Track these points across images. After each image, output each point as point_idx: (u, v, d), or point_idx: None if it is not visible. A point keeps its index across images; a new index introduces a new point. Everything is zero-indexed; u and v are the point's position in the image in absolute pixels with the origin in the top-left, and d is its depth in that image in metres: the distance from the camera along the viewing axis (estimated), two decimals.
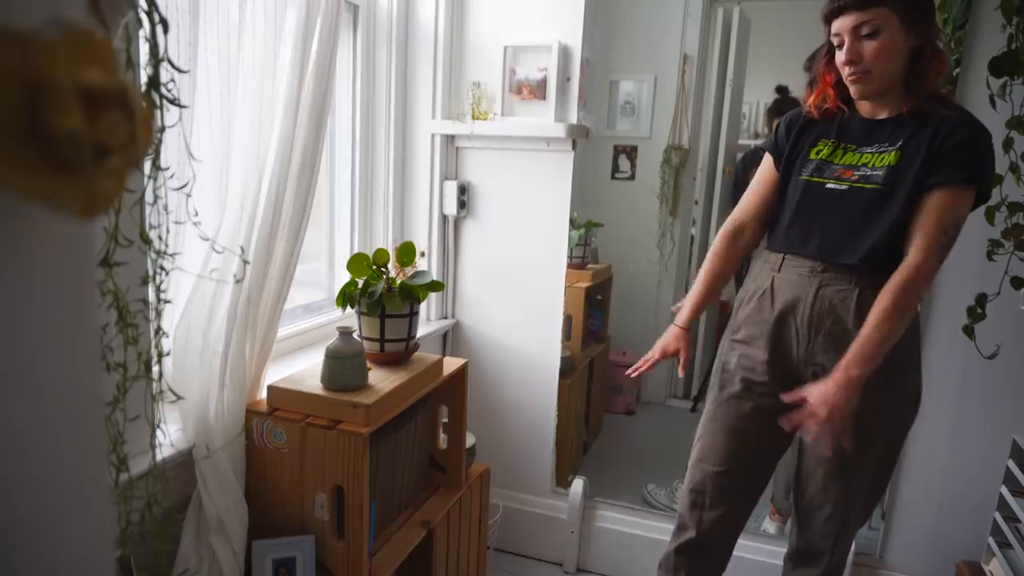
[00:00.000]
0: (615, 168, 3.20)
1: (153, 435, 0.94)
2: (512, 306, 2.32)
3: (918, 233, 1.37)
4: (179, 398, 0.97)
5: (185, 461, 1.28)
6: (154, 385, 0.90)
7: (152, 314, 0.87)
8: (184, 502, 1.31)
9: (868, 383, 1.37)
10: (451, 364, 1.76)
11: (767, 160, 1.63)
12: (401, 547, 1.55)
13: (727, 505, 1.62)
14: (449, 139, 2.26)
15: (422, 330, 2.09)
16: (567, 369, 2.39)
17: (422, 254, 2.25)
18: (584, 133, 2.17)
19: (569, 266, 2.30)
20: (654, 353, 1.68)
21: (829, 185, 1.48)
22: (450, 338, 2.40)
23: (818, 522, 1.59)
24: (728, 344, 1.63)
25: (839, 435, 1.37)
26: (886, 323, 1.36)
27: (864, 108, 1.50)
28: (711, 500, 1.63)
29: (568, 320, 2.41)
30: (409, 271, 1.66)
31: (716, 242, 1.67)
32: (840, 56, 1.42)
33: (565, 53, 2.13)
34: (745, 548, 2.10)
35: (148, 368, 0.89)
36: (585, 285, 2.66)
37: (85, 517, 0.44)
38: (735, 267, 1.66)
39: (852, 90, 1.45)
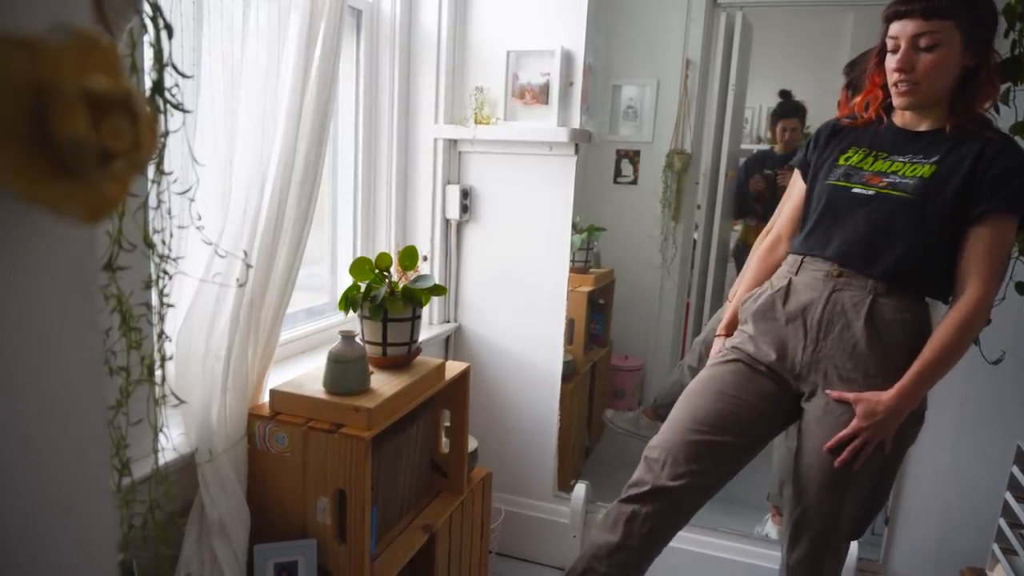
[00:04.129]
0: (617, 172, 3.20)
1: (155, 439, 0.94)
2: (514, 310, 2.32)
3: (975, 265, 1.37)
4: (181, 402, 0.98)
5: (187, 465, 1.28)
6: (156, 389, 0.91)
7: (155, 318, 0.87)
8: (186, 506, 1.31)
9: (870, 390, 1.39)
10: (453, 368, 1.76)
11: (797, 176, 1.63)
12: (403, 551, 1.55)
13: (692, 473, 1.48)
14: (452, 143, 2.27)
15: (424, 334, 2.09)
16: (569, 373, 2.38)
17: (424, 258, 2.26)
18: (586, 137, 2.17)
19: (571, 270, 2.30)
20: (725, 328, 1.69)
21: (855, 190, 1.45)
22: (452, 342, 2.40)
23: (811, 532, 1.55)
24: (736, 333, 1.62)
25: (866, 452, 1.39)
26: (941, 358, 1.37)
27: (902, 119, 1.48)
28: (676, 460, 1.50)
29: (570, 324, 2.41)
30: (411, 275, 1.66)
31: (756, 253, 1.71)
32: (891, 61, 1.40)
33: (568, 58, 2.13)
34: (746, 552, 2.10)
35: (151, 372, 0.89)
36: (587, 289, 2.66)
37: (87, 521, 0.44)
38: (772, 273, 1.63)
39: (896, 100, 1.43)
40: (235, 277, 1.24)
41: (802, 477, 1.52)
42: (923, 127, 1.45)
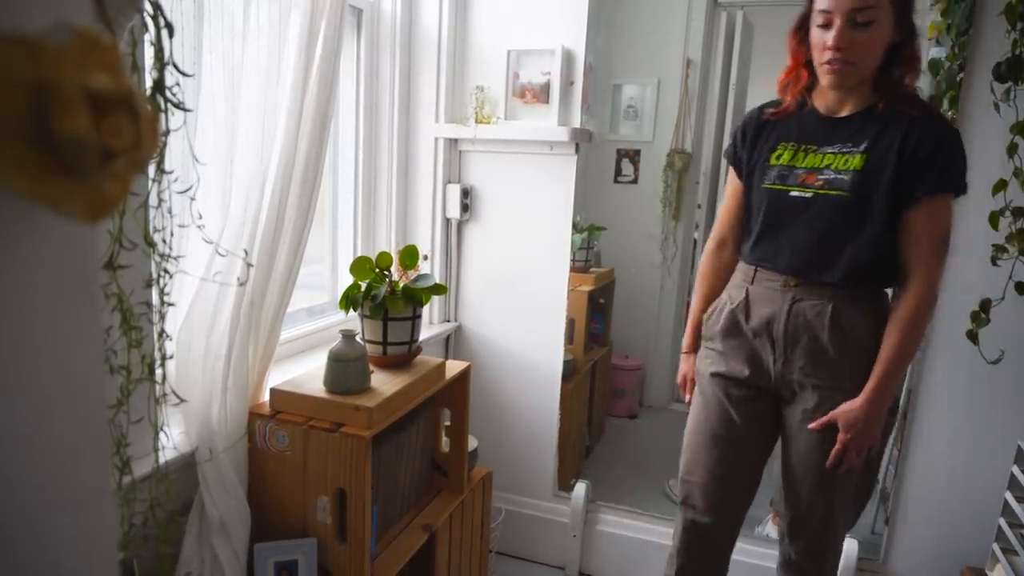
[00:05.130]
0: (618, 172, 3.20)
1: (156, 438, 0.94)
2: (515, 309, 2.32)
3: (913, 252, 1.36)
4: (182, 401, 0.98)
5: (188, 464, 1.28)
6: (157, 388, 0.91)
7: (156, 317, 0.87)
8: (187, 505, 1.31)
9: (845, 394, 1.41)
10: (453, 367, 1.76)
11: (732, 172, 1.59)
12: (403, 550, 1.55)
13: (718, 513, 1.61)
14: (452, 142, 2.27)
15: (425, 333, 2.09)
16: (569, 373, 2.38)
17: (425, 257, 2.26)
18: (587, 137, 2.17)
19: (572, 269, 2.30)
20: (682, 389, 1.71)
21: (793, 193, 1.42)
22: (452, 341, 2.40)
23: (807, 533, 1.56)
24: (704, 351, 1.61)
25: (862, 455, 1.41)
26: (901, 350, 1.37)
27: (824, 101, 1.43)
28: (703, 509, 1.61)
29: (570, 324, 2.41)
30: (412, 274, 1.66)
31: (703, 261, 1.66)
32: (824, 37, 1.32)
33: (568, 57, 2.13)
34: (747, 552, 2.09)
35: (151, 371, 0.89)
36: (588, 289, 2.66)
37: (88, 519, 0.44)
38: (726, 279, 1.61)
39: (826, 80, 1.36)
40: (236, 276, 1.24)
41: (791, 484, 1.54)
42: (847, 110, 1.40)
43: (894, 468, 2.09)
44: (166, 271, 0.85)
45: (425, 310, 1.79)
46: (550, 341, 2.29)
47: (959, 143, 1.35)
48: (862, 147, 1.36)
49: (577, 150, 2.17)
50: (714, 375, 1.57)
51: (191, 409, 1.28)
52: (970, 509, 1.96)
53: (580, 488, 2.31)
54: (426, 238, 2.27)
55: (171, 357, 0.98)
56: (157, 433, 0.93)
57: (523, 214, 2.26)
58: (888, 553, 2.06)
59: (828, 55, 1.33)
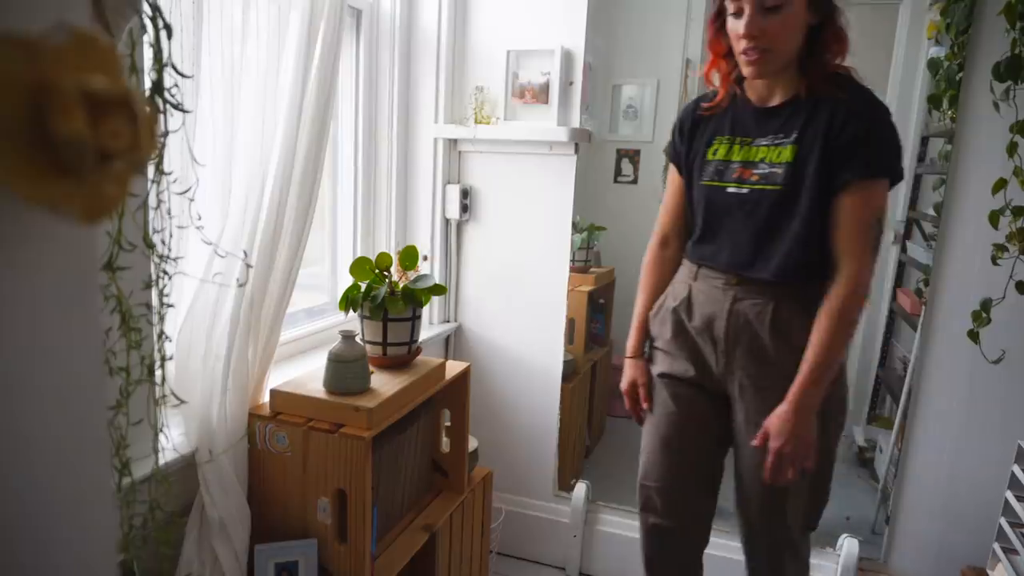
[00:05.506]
0: (617, 172, 3.20)
1: (156, 439, 0.94)
2: (515, 310, 2.32)
3: (844, 241, 1.31)
4: (181, 402, 0.97)
5: (188, 465, 1.28)
6: (157, 389, 0.91)
7: (155, 318, 0.87)
8: (187, 506, 1.30)
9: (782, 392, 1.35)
10: (454, 368, 1.76)
11: (672, 168, 1.57)
12: (404, 551, 1.55)
13: (678, 516, 1.58)
14: (452, 143, 2.27)
15: (424, 334, 2.09)
16: (570, 373, 2.38)
17: (425, 258, 2.26)
18: (587, 137, 2.17)
19: (572, 270, 2.30)
20: (628, 398, 1.62)
21: (730, 189, 1.40)
22: (452, 342, 2.40)
23: (762, 550, 1.53)
24: (652, 352, 1.59)
25: (798, 463, 1.34)
26: (830, 343, 1.31)
27: (755, 91, 1.40)
28: (662, 513, 1.58)
29: (571, 324, 2.41)
30: (412, 275, 1.66)
31: (647, 259, 1.62)
32: (737, 27, 1.29)
33: (568, 57, 2.13)
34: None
35: (151, 372, 0.89)
36: (588, 289, 2.66)
37: (88, 521, 0.44)
38: (670, 276, 1.57)
39: (746, 70, 1.33)
40: (235, 277, 1.24)
41: (742, 500, 1.52)
42: (777, 99, 1.37)
43: (895, 468, 2.09)
44: (165, 272, 0.85)
45: (425, 310, 1.79)
46: (550, 341, 2.29)
47: (889, 124, 1.30)
48: (792, 137, 1.33)
49: (576, 150, 2.17)
50: (661, 376, 1.54)
51: (191, 410, 1.28)
52: (971, 508, 1.96)
53: (580, 488, 2.31)
54: (426, 238, 2.27)
55: (171, 358, 0.98)
56: (157, 434, 0.93)
57: (523, 214, 2.26)
58: (889, 552, 2.06)
59: (743, 44, 1.29)
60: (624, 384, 1.62)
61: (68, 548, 0.42)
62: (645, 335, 1.60)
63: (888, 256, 2.83)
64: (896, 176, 1.32)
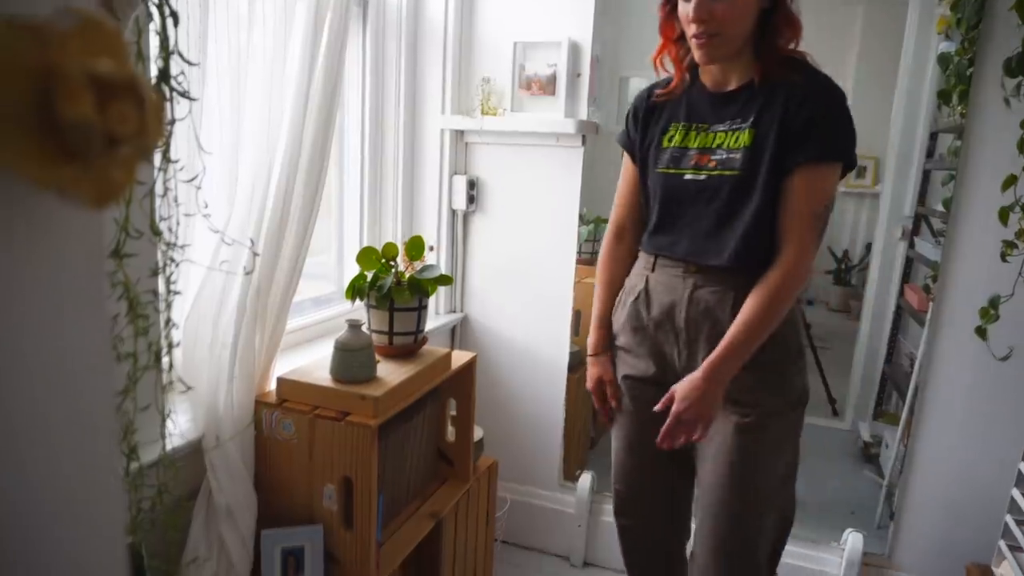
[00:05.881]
0: None
1: (163, 425, 0.95)
2: (521, 301, 2.32)
3: (786, 223, 1.28)
4: (188, 388, 0.98)
5: (195, 451, 1.29)
6: (164, 376, 0.91)
7: (162, 305, 0.88)
8: (194, 490, 1.32)
9: (741, 383, 1.32)
10: (460, 358, 1.76)
11: (626, 157, 1.53)
12: (409, 538, 1.56)
13: (648, 519, 1.57)
14: (458, 134, 2.27)
15: (431, 324, 2.10)
16: (576, 364, 2.38)
17: (431, 248, 2.26)
18: (594, 129, 2.17)
19: (578, 262, 2.29)
20: (596, 397, 1.56)
21: (687, 177, 1.35)
22: (459, 332, 2.40)
23: (706, 532, 1.43)
24: (615, 352, 1.54)
25: (690, 432, 1.31)
26: (756, 323, 1.27)
27: (710, 77, 1.37)
28: (632, 515, 1.58)
29: (577, 315, 2.41)
30: (418, 265, 1.66)
31: (602, 253, 1.57)
32: (687, 10, 1.27)
33: (575, 49, 2.12)
34: None
35: (158, 359, 0.90)
36: (594, 281, 2.65)
37: (96, 504, 0.44)
38: (628, 268, 1.52)
39: (697, 55, 1.30)
40: (242, 265, 1.25)
41: (704, 507, 1.44)
42: (733, 84, 1.34)
43: (900, 464, 2.08)
44: (172, 260, 0.85)
45: (431, 300, 1.79)
46: (556, 332, 2.29)
47: (844, 108, 1.27)
48: (750, 121, 1.30)
49: (584, 142, 2.17)
50: (624, 378, 1.51)
51: (198, 397, 1.29)
52: (977, 505, 1.95)
53: (585, 479, 2.31)
54: (432, 229, 2.28)
55: (178, 345, 0.99)
56: (164, 420, 0.94)
57: (530, 206, 2.26)
58: (893, 548, 2.06)
59: (692, 29, 1.27)
60: (590, 383, 1.57)
61: (77, 531, 0.43)
62: (607, 331, 1.54)
63: (896, 252, 2.81)
64: (849, 162, 1.29)
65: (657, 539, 1.60)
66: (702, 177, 1.34)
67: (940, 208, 2.26)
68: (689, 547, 1.54)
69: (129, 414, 0.87)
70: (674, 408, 1.31)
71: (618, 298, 1.52)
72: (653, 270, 1.43)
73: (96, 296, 0.44)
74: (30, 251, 0.38)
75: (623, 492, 1.58)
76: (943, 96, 2.10)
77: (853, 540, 2.02)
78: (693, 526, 1.52)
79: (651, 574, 1.64)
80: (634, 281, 1.48)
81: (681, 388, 1.32)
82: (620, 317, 1.50)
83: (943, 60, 2.07)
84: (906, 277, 2.72)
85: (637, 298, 1.45)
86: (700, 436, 1.32)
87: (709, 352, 1.32)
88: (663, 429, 1.32)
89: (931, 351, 1.95)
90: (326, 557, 1.39)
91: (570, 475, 2.40)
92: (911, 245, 2.65)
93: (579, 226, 2.25)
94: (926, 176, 2.58)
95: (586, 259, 2.66)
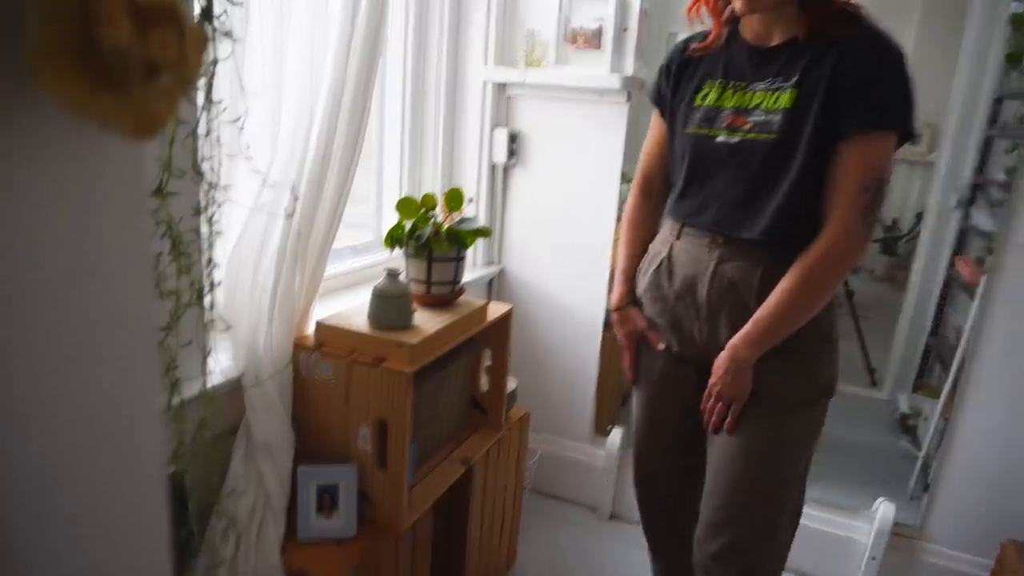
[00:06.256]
0: None
1: (204, 361, 0.98)
2: (559, 256, 2.32)
3: (832, 199, 1.16)
4: (229, 328, 1.01)
5: (235, 388, 1.33)
6: (205, 314, 0.94)
7: (204, 245, 0.90)
8: (234, 426, 1.36)
9: (766, 366, 1.24)
10: (496, 309, 1.77)
11: (655, 114, 1.44)
12: (440, 481, 1.60)
13: (664, 494, 1.55)
14: (501, 87, 2.24)
15: (468, 275, 2.11)
16: (610, 322, 2.38)
17: (470, 200, 2.26)
18: (639, 85, 2.12)
19: (618, 220, 2.27)
20: (629, 351, 1.49)
21: (719, 139, 1.24)
22: (496, 284, 2.42)
23: (713, 525, 1.34)
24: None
25: (721, 415, 1.29)
26: (791, 303, 1.18)
27: (752, 30, 1.25)
28: (647, 488, 1.57)
29: (614, 274, 2.39)
30: (456, 217, 1.67)
31: (627, 206, 1.49)
32: None
33: (622, 3, 2.06)
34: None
35: (200, 297, 0.92)
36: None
37: (139, 433, 0.46)
38: (653, 228, 1.43)
39: (736, 4, 1.19)
40: (283, 207, 1.26)
41: (709, 494, 1.36)
42: (776, 38, 1.22)
43: (939, 436, 2.05)
44: (214, 200, 0.87)
45: (469, 252, 1.80)
46: (593, 290, 2.29)
47: (903, 70, 1.13)
48: (792, 81, 1.17)
49: (629, 99, 2.12)
50: (643, 349, 1.46)
51: (238, 337, 1.32)
52: (1018, 482, 1.91)
53: (616, 434, 2.33)
54: (472, 181, 2.27)
55: (219, 285, 1.01)
56: (205, 357, 0.97)
57: (571, 162, 2.24)
58: (926, 519, 2.04)
59: None
60: (622, 336, 1.48)
61: (121, 460, 0.45)
62: (632, 286, 1.46)
63: (949, 222, 2.72)
64: (907, 131, 1.15)
65: (684, 513, 1.56)
66: (735, 140, 1.22)
67: (1001, 177, 2.17)
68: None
69: (171, 350, 0.90)
70: (709, 382, 1.30)
71: (641, 263, 1.44)
72: (678, 238, 1.34)
73: (139, 231, 0.45)
74: (73, 184, 0.39)
75: (643, 465, 1.56)
76: (1013, 59, 2.00)
77: (884, 509, 2.00)
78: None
79: (666, 546, 1.63)
80: (658, 248, 1.39)
81: (715, 364, 1.29)
82: (641, 284, 1.42)
83: (1017, 20, 1.96)
84: (958, 249, 2.63)
85: (659, 267, 1.37)
86: (732, 418, 1.28)
87: (732, 331, 1.26)
88: (709, 408, 1.31)
89: (980, 324, 1.89)
90: (359, 495, 1.43)
91: (601, 429, 2.42)
92: (966, 216, 2.55)
93: (620, 184, 2.22)
94: (987, 144, 2.47)
95: None
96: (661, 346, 1.41)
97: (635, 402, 1.54)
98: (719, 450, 1.34)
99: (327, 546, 1.37)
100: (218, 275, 1.02)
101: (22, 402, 0.37)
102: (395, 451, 1.41)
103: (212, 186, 0.86)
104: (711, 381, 1.30)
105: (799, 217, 1.20)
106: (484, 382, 1.86)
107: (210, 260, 0.91)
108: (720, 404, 1.30)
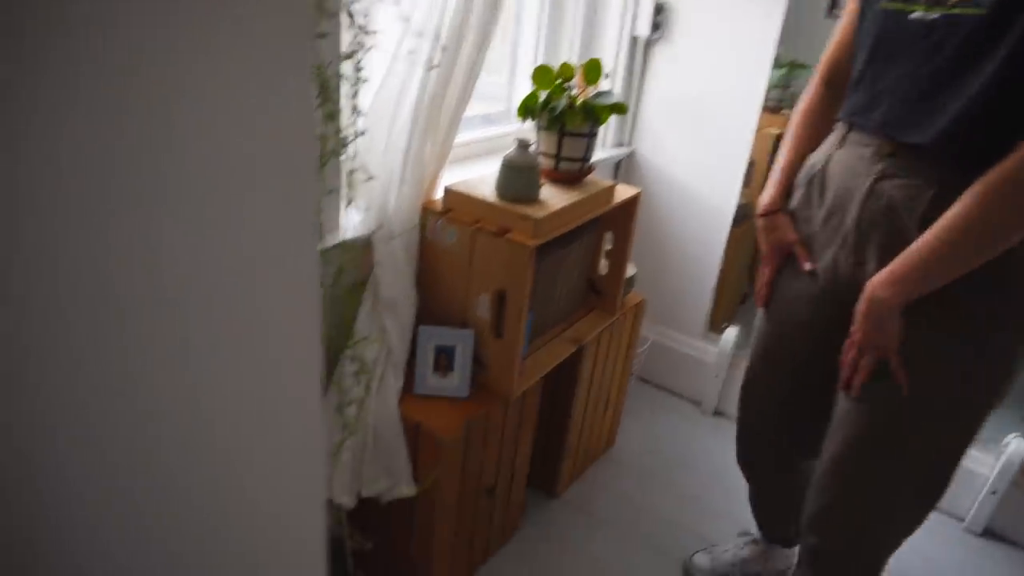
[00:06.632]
0: (833, 4, 2.81)
1: (346, 209, 1.00)
2: (694, 142, 2.20)
3: None
4: (370, 178, 1.02)
5: (365, 245, 1.38)
6: (347, 163, 0.95)
7: (350, 91, 0.90)
8: (365, 279, 1.42)
9: (927, 328, 1.01)
10: (623, 192, 1.72)
11: None
12: (551, 357, 1.63)
13: (760, 463, 1.49)
14: None
15: (597, 155, 2.05)
16: (741, 217, 2.27)
17: (606, 76, 2.15)
18: None
19: (763, 109, 2.11)
20: (772, 264, 1.32)
21: (914, 15, 0.99)
22: (623, 167, 2.34)
23: (823, 515, 1.23)
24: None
25: (871, 356, 1.07)
26: (955, 235, 0.94)
27: None
28: (746, 430, 1.49)
29: (751, 166, 2.26)
30: (592, 90, 1.59)
31: (803, 100, 1.30)
32: None
33: None
34: None
35: (344, 145, 0.93)
36: (775, 132, 2.45)
37: (293, 266, 0.47)
38: (828, 126, 1.23)
39: None
40: (424, 58, 1.23)
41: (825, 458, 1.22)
42: None
43: None
44: (361, 45, 0.86)
45: (600, 130, 1.73)
46: (726, 181, 2.17)
47: None
48: None
49: None
50: (781, 272, 1.30)
51: (372, 192, 1.35)
52: None
53: (731, 332, 2.28)
54: (610, 55, 2.15)
55: (363, 134, 1.01)
56: (347, 206, 0.99)
57: (719, 40, 2.06)
58: None
59: None
60: (766, 247, 1.31)
61: (276, 290, 0.46)
62: (788, 187, 1.27)
63: None
64: None
65: (773, 470, 1.51)
66: (933, 16, 0.97)
67: None
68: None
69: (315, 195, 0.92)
70: (853, 327, 1.10)
71: (799, 174, 1.27)
72: (841, 145, 1.15)
73: (300, 66, 0.44)
74: (236, 11, 0.38)
75: (746, 412, 1.48)
76: None
77: (1017, 445, 1.88)
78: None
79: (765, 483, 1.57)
80: (818, 156, 1.22)
81: (861, 305, 1.08)
82: (796, 197, 1.26)
83: None
84: None
85: (812, 180, 1.20)
86: (860, 374, 1.09)
87: (879, 268, 1.05)
88: (848, 360, 1.11)
89: None
90: (474, 360, 1.48)
91: (716, 326, 2.37)
92: None
93: (772, 69, 2.04)
94: None
95: (771, 107, 2.44)
96: (808, 265, 1.22)
97: (757, 330, 1.41)
98: (837, 416, 1.18)
99: (440, 403, 1.44)
100: (362, 124, 1.02)
101: (191, 222, 0.39)
102: (511, 322, 1.43)
103: (361, 29, 0.85)
104: (852, 328, 1.11)
105: (989, 124, 0.94)
106: (603, 265, 1.84)
107: (355, 108, 0.92)
108: (856, 356, 1.10)
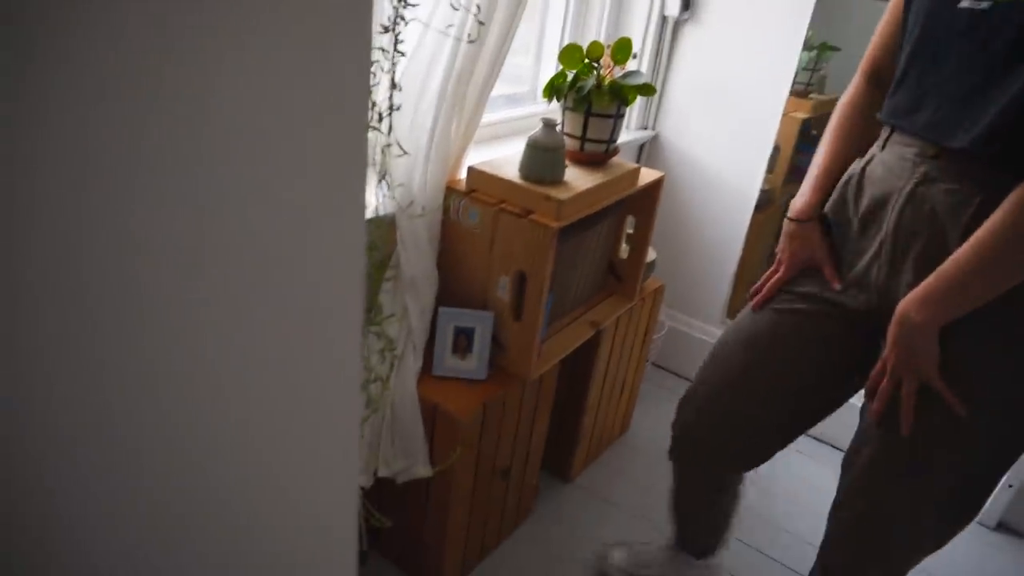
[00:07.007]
0: None
1: (380, 183, 0.98)
2: (718, 126, 2.16)
3: None
4: (404, 153, 1.00)
5: (391, 223, 1.36)
6: (383, 138, 0.93)
7: (387, 65, 0.88)
8: (388, 257, 1.41)
9: (967, 334, 0.94)
10: (647, 176, 1.70)
11: None
12: (570, 340, 1.62)
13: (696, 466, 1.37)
14: None
15: (622, 137, 2.02)
16: (764, 203, 2.24)
17: (634, 56, 2.12)
18: None
19: (790, 92, 2.07)
20: (777, 268, 1.24)
21: (963, 4, 0.92)
22: (647, 150, 2.31)
23: (843, 534, 1.15)
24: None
25: (887, 398, 1.01)
26: (994, 248, 0.87)
27: None
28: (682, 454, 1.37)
29: (775, 151, 2.22)
30: (620, 71, 1.56)
31: (846, 94, 1.21)
32: None
33: None
34: None
35: (380, 119, 0.91)
36: (802, 116, 2.40)
37: (339, 231, 0.46)
38: (869, 129, 1.14)
39: None
40: (460, 32, 1.20)
41: (848, 472, 1.13)
42: None
43: None
44: (402, 18, 0.83)
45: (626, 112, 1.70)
46: (750, 166, 2.14)
47: None
48: None
49: None
50: (812, 291, 1.18)
51: (399, 171, 1.33)
52: None
53: None
54: (638, 34, 2.12)
55: (399, 108, 0.99)
56: (382, 180, 0.97)
57: (749, 20, 2.02)
58: None
59: None
60: (787, 256, 1.21)
61: (325, 257, 0.45)
62: (824, 195, 1.18)
63: None
64: None
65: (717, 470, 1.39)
66: (984, 6, 0.89)
67: None
68: None
69: None
70: (886, 352, 1.01)
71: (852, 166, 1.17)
72: (883, 147, 1.08)
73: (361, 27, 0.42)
74: None
75: (691, 416, 1.35)
76: None
77: None
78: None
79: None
80: (857, 161, 1.15)
81: (893, 327, 0.99)
82: (833, 198, 1.18)
83: None
84: None
85: (849, 181, 1.12)
86: (907, 408, 0.98)
87: (916, 281, 0.98)
88: (882, 388, 1.01)
89: None
90: (493, 341, 1.47)
91: (733, 314, 2.35)
92: None
93: (800, 51, 2.00)
94: None
95: (799, 90, 2.39)
96: (837, 285, 1.13)
97: (738, 327, 1.29)
98: (862, 431, 1.11)
99: (458, 384, 1.43)
100: (398, 98, 1.00)
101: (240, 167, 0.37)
102: (531, 304, 1.42)
103: (402, 1, 0.82)
104: (884, 354, 1.02)
105: None
106: (624, 249, 1.82)
107: (393, 82, 0.89)
108: (889, 384, 1.01)
